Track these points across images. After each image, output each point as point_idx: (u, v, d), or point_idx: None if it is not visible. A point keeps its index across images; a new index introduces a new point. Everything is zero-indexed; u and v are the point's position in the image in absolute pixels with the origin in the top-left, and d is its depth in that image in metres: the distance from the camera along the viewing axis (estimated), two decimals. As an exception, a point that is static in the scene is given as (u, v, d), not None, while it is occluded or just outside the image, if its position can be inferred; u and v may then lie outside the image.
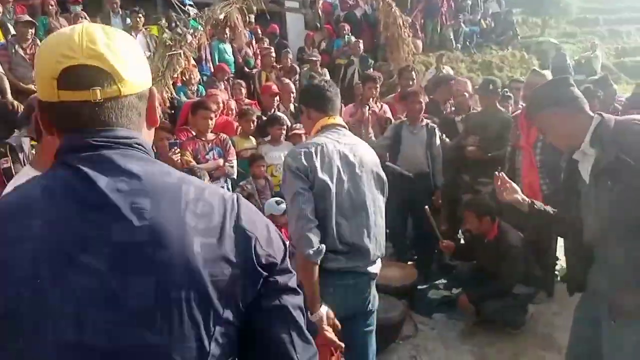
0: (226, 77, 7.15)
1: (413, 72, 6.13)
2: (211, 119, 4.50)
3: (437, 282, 4.73)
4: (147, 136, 1.03)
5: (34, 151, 3.65)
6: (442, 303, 4.37)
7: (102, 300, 0.83)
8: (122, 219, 0.86)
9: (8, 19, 6.61)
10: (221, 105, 5.41)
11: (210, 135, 4.54)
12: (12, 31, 6.18)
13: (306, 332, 1.03)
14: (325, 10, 11.33)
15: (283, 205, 4.35)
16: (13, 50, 5.65)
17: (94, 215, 0.86)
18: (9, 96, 5.31)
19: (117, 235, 0.85)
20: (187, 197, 0.92)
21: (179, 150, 4.16)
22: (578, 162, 2.15)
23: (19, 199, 0.91)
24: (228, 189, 4.46)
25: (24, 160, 3.60)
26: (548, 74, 4.42)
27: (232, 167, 4.54)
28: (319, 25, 11.44)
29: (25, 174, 1.76)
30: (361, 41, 9.12)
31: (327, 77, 8.23)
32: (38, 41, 5.94)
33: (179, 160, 4.19)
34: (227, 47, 8.21)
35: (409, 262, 4.86)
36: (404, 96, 5.19)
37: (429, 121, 4.85)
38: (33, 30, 5.84)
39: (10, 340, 0.82)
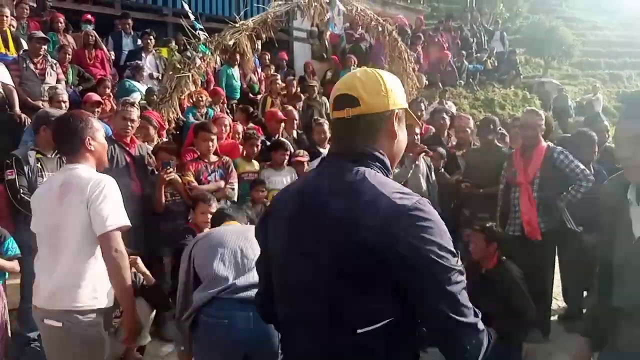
0: (221, 101, 7.26)
1: (422, 104, 6.23)
2: (212, 141, 4.54)
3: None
4: (385, 147, 1.39)
5: (39, 164, 3.69)
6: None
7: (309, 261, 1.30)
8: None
9: (21, 34, 6.73)
10: (228, 128, 5.47)
11: (213, 157, 4.59)
12: (25, 46, 6.28)
13: None
14: (333, 42, 11.52)
15: None
16: (24, 65, 5.74)
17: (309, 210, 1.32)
18: (17, 109, 5.39)
19: (322, 220, 1.27)
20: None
21: (171, 169, 4.18)
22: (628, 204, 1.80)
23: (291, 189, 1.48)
24: None
25: (28, 173, 3.64)
26: (542, 114, 4.49)
27: (232, 189, 4.57)
28: (325, 55, 11.63)
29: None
30: (366, 73, 9.21)
31: (327, 106, 8.33)
32: (49, 57, 6.06)
33: (171, 180, 4.21)
34: (235, 72, 8.35)
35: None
36: None
37: (423, 155, 4.95)
38: (46, 47, 5.96)
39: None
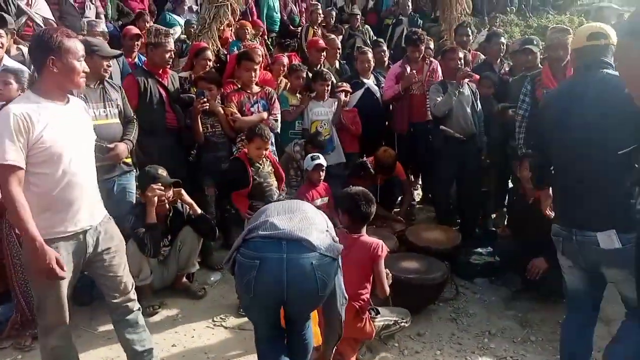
0: (260, 33, 7.06)
1: (468, 29, 5.87)
2: (255, 70, 4.45)
3: (480, 248, 4.59)
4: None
5: (82, 95, 3.67)
6: (485, 269, 4.25)
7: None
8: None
9: (60, -33, 6.63)
10: (260, 59, 5.31)
11: (256, 88, 4.49)
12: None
13: None
14: (375, -32, 10.91)
15: (316, 161, 4.26)
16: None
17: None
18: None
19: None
20: None
21: (205, 99, 4.11)
22: None
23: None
24: (272, 143, 4.40)
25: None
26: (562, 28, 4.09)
27: (276, 120, 4.48)
28: (367, -17, 11.07)
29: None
30: (410, 0, 8.79)
31: (370, 34, 7.99)
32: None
33: (212, 110, 4.17)
34: (275, 3, 8.09)
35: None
36: (442, 54, 5.00)
37: (468, 80, 4.70)
38: (83, -21, 5.86)
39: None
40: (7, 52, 4.26)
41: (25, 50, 4.59)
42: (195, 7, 7.47)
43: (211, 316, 3.51)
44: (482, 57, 5.92)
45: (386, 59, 5.88)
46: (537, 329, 3.47)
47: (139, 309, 2.69)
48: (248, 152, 3.88)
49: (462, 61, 4.70)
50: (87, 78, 3.55)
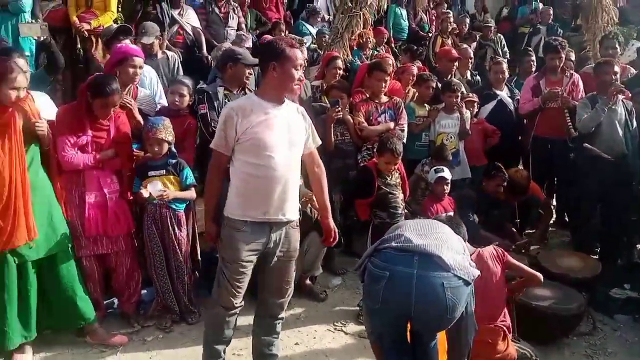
0: (385, 41, 7.06)
1: (616, 40, 5.40)
2: (385, 81, 4.47)
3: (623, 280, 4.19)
4: None
5: (226, 100, 3.94)
6: (628, 304, 3.87)
7: None
8: None
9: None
10: (391, 69, 5.31)
11: (384, 98, 4.50)
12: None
13: None
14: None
15: (440, 174, 4.14)
16: (210, 9, 6.15)
17: None
18: (204, 51, 5.82)
19: None
20: None
21: (339, 108, 4.17)
22: None
23: None
24: None
25: (218, 108, 3.90)
26: None
27: (402, 131, 4.45)
28: (502, -10, 10.65)
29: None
30: (550, 8, 8.30)
31: (503, 44, 7.67)
32: (231, 1, 6.38)
33: (343, 119, 4.22)
34: (403, 12, 8.08)
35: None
36: (595, 67, 4.62)
37: (622, 97, 4.31)
38: (227, -10, 6.28)
39: None
40: (155, 55, 4.70)
41: (170, 55, 5.04)
42: (327, 17, 7.68)
43: (332, 320, 3.58)
44: (633, 71, 5.41)
45: (534, 69, 5.58)
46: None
47: (282, 319, 2.82)
48: (377, 164, 3.89)
49: (617, 76, 4.32)
50: (231, 84, 3.87)
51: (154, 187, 3.23)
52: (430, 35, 7.76)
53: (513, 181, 4.47)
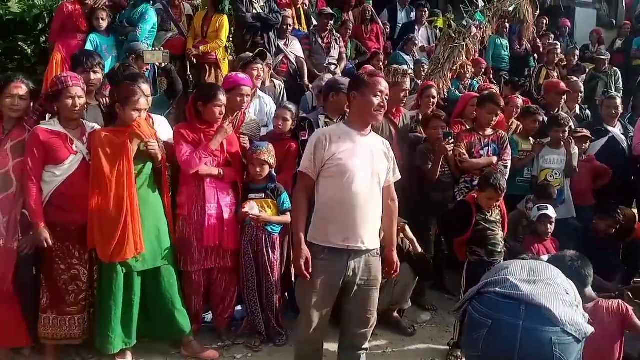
0: (482, 71, 6.91)
1: None
2: (497, 114, 4.34)
3: None
4: None
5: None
6: None
7: None
8: None
9: (311, 11, 7.47)
10: (502, 102, 5.16)
11: (489, 131, 4.36)
12: (314, 22, 6.96)
13: None
14: (628, 5, 9.88)
15: (543, 212, 3.95)
16: (313, 40, 6.37)
17: None
18: (306, 80, 6.03)
19: None
20: None
21: (452, 140, 4.11)
22: None
23: None
24: None
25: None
26: None
27: (505, 167, 4.28)
28: (614, 21, 10.08)
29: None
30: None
31: (617, 77, 7.18)
32: (334, 32, 6.58)
33: (452, 151, 4.15)
34: (504, 42, 7.87)
35: None
36: None
37: None
38: (332, 22, 6.48)
39: None
40: (263, 83, 4.94)
41: (277, 83, 5.29)
42: (427, 46, 7.67)
43: (419, 357, 3.49)
44: None
45: (618, 112, 5.18)
46: None
47: (366, 349, 2.80)
48: (478, 198, 3.76)
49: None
50: (332, 113, 3.98)
51: (251, 210, 3.37)
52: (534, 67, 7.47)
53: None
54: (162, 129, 3.48)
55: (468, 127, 4.57)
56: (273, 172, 3.52)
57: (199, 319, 3.46)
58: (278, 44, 5.98)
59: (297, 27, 6.85)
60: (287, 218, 3.50)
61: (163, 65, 4.13)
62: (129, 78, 3.38)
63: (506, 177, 4.31)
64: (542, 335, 1.92)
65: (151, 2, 5.50)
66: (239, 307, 3.64)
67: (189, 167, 3.29)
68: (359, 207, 2.59)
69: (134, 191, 3.03)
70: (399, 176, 2.90)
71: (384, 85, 2.69)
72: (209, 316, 3.64)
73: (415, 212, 4.12)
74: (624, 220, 4.19)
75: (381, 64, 6.73)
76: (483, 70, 7.08)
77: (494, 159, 4.25)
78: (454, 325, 3.50)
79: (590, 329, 2.00)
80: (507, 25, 7.79)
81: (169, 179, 3.40)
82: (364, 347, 2.78)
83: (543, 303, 1.97)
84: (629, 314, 2.67)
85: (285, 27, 6.13)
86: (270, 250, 3.46)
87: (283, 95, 5.15)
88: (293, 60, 6.08)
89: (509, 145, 4.36)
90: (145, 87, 3.34)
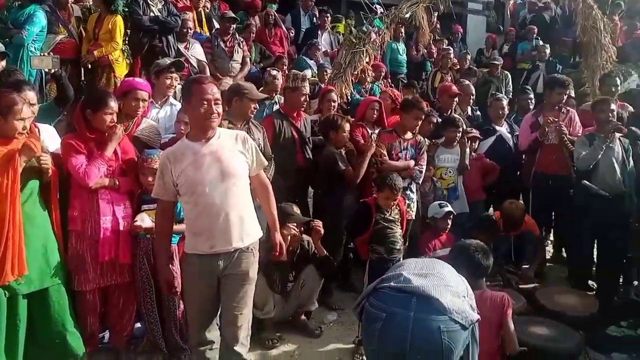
0: (382, 75, 7.20)
1: (617, 79, 5.47)
2: (421, 119, 4.49)
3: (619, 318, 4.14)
4: None
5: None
6: (624, 343, 3.83)
7: None
8: None
9: (214, 14, 7.36)
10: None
11: (408, 135, 4.50)
12: (216, 25, 6.86)
13: None
14: (511, 12, 10.72)
15: (446, 209, 4.21)
16: (215, 43, 6.26)
17: None
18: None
19: None
20: None
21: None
22: None
23: None
24: (411, 191, 4.44)
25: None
26: None
27: (420, 172, 4.47)
28: (501, 28, 10.90)
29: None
30: (548, 46, 8.44)
31: (508, 81, 7.76)
32: (237, 35, 6.52)
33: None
34: (401, 47, 8.24)
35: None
36: (593, 105, 4.67)
37: (620, 135, 4.34)
38: (234, 26, 6.42)
39: None
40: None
41: (178, 88, 5.14)
42: (330, 51, 7.83)
43: (326, 358, 3.54)
44: (631, 108, 5.45)
45: (531, 106, 5.66)
46: None
47: (240, 354, 2.68)
48: (377, 199, 3.91)
49: (614, 113, 4.36)
50: (235, 118, 3.93)
51: (142, 221, 3.21)
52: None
53: (507, 214, 4.48)
54: (50, 139, 3.25)
55: (369, 131, 4.72)
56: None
57: (95, 339, 3.26)
58: (178, 48, 5.83)
59: (198, 30, 6.74)
60: (181, 227, 3.39)
61: (52, 71, 3.88)
62: (12, 85, 3.12)
63: (420, 182, 4.52)
64: (432, 324, 2.05)
65: (39, 3, 5.15)
66: (138, 324, 3.48)
67: (88, 180, 3.07)
68: (217, 216, 2.62)
69: (17, 208, 2.79)
70: (264, 163, 2.93)
71: (210, 91, 2.59)
72: (107, 335, 3.45)
73: (325, 213, 4.18)
74: (511, 211, 4.51)
75: (285, 68, 6.78)
76: (383, 74, 7.37)
77: (412, 163, 4.42)
78: (358, 323, 3.60)
79: (476, 316, 2.16)
80: (403, 30, 8.14)
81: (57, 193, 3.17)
82: (236, 349, 2.65)
83: (432, 294, 2.10)
84: (507, 311, 2.85)
85: (185, 30, 6.01)
86: (168, 262, 3.35)
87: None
88: (195, 64, 5.96)
89: (425, 151, 4.55)
90: (32, 95, 3.10)
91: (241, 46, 6.36)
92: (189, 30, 6.11)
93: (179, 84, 5.14)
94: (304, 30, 8.49)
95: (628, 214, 4.32)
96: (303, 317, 3.92)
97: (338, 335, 3.85)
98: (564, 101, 5.01)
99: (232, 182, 2.67)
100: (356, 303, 2.36)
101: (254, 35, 7.24)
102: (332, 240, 4.10)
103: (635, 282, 4.68)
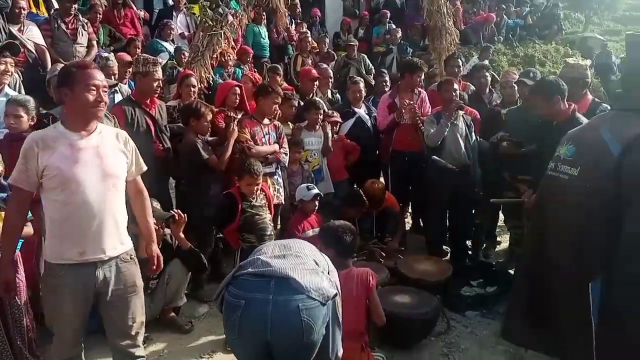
0: (249, 59, 7.12)
1: (459, 60, 5.94)
2: (277, 103, 4.49)
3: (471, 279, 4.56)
4: None
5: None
6: (476, 301, 4.22)
7: None
8: None
9: (52, -7, 6.64)
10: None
11: (266, 120, 4.47)
12: (56, 5, 6.20)
13: None
14: (366, -3, 11.17)
15: (314, 191, 4.29)
16: (55, 25, 5.66)
17: None
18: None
19: None
20: None
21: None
22: None
23: None
24: (279, 175, 4.45)
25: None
26: (586, 65, 4.18)
27: (285, 154, 4.48)
28: (357, 12, 11.28)
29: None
30: (399, 30, 8.94)
31: (366, 63, 8.07)
32: (80, 17, 5.95)
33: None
34: (262, 30, 8.17)
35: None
36: (438, 85, 5.04)
37: (463, 112, 4.72)
38: (76, 6, 5.85)
39: None
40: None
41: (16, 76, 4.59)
42: (187, 33, 7.50)
43: (198, 352, 3.43)
44: (472, 87, 5.98)
45: (387, 88, 5.92)
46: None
47: (142, 356, 2.62)
48: (240, 187, 3.83)
49: (457, 92, 4.73)
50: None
51: None
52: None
53: (369, 193, 4.69)
54: None
55: (231, 115, 4.61)
56: (2, 181, 3.02)
57: None
58: (10, 30, 5.18)
59: (34, 10, 6.05)
60: (27, 229, 3.06)
61: None
62: None
63: (286, 164, 4.52)
64: (290, 304, 2.04)
65: None
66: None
67: None
68: (91, 218, 2.36)
69: None
70: (143, 167, 2.73)
71: (98, 77, 2.39)
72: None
73: (194, 204, 4.04)
74: (372, 190, 4.73)
75: (139, 51, 6.37)
76: (250, 58, 7.25)
77: (277, 147, 4.41)
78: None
79: (332, 292, 2.15)
80: (264, 14, 8.08)
81: None
82: (137, 354, 2.59)
83: (290, 274, 2.08)
84: (372, 286, 2.98)
85: (17, 10, 5.34)
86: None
87: (20, 88, 4.48)
88: (32, 48, 5.34)
89: (284, 134, 4.55)
90: None
91: (86, 28, 5.83)
92: (22, 11, 5.44)
93: (15, 72, 4.62)
94: (157, 11, 8.03)
95: (474, 185, 4.76)
96: (172, 313, 3.75)
97: (210, 327, 3.75)
98: (420, 82, 5.32)
99: (111, 183, 2.44)
100: (216, 294, 2.26)
101: (100, 16, 6.66)
102: (201, 231, 3.97)
103: (484, 245, 5.20)
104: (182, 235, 3.63)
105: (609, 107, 4.24)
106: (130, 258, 2.55)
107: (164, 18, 7.53)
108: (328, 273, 2.28)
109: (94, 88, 2.36)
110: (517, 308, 2.19)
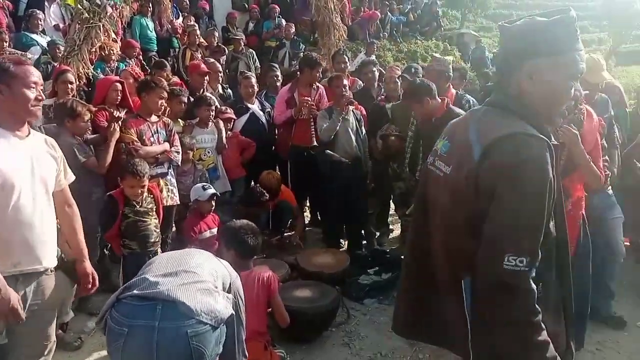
0: (135, 53, 6.80)
1: (345, 56, 6.07)
2: (163, 99, 4.24)
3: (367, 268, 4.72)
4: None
5: None
6: (373, 288, 4.37)
7: None
8: None
9: None
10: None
11: (154, 117, 4.23)
12: None
13: None
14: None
15: (210, 191, 4.17)
16: None
17: None
18: None
19: None
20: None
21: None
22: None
23: None
24: (172, 175, 4.25)
25: None
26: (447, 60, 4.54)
27: (177, 152, 4.28)
28: (246, 5, 11.15)
29: None
30: (293, 25, 8.99)
31: (254, 58, 8.00)
32: None
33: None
34: (150, 23, 7.79)
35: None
36: (329, 81, 5.14)
37: (352, 107, 4.84)
38: None
39: None
40: None
41: None
42: (62, 25, 6.92)
43: (90, 367, 3.21)
44: (361, 83, 6.16)
45: (279, 83, 5.89)
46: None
47: None
48: (125, 191, 3.58)
49: (347, 88, 4.84)
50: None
51: None
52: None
53: (264, 184, 4.67)
54: None
55: (117, 115, 4.32)
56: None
57: None
58: None
59: None
60: None
61: None
62: None
63: (179, 163, 4.33)
64: (178, 330, 1.88)
65: None
66: None
67: None
68: (27, 225, 2.17)
69: None
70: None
71: (35, 74, 2.25)
72: None
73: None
74: (267, 181, 4.72)
75: (6, 45, 5.78)
76: (136, 53, 6.86)
77: (167, 146, 4.19)
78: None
79: (227, 314, 2.02)
80: (151, 6, 7.71)
81: None
82: None
83: (178, 297, 1.92)
84: (274, 288, 2.99)
85: None
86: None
87: None
88: None
89: (176, 132, 4.35)
90: None
91: None
92: None
93: None
94: (25, 1, 7.32)
95: (365, 176, 4.93)
96: (58, 330, 3.45)
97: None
98: (317, 77, 5.36)
99: (45, 189, 2.25)
100: (99, 317, 2.06)
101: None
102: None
103: (377, 234, 5.40)
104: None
105: (472, 99, 4.67)
106: (52, 271, 2.36)
107: (34, 8, 6.88)
108: (229, 284, 2.18)
109: (34, 85, 2.20)
110: (403, 299, 2.22)
